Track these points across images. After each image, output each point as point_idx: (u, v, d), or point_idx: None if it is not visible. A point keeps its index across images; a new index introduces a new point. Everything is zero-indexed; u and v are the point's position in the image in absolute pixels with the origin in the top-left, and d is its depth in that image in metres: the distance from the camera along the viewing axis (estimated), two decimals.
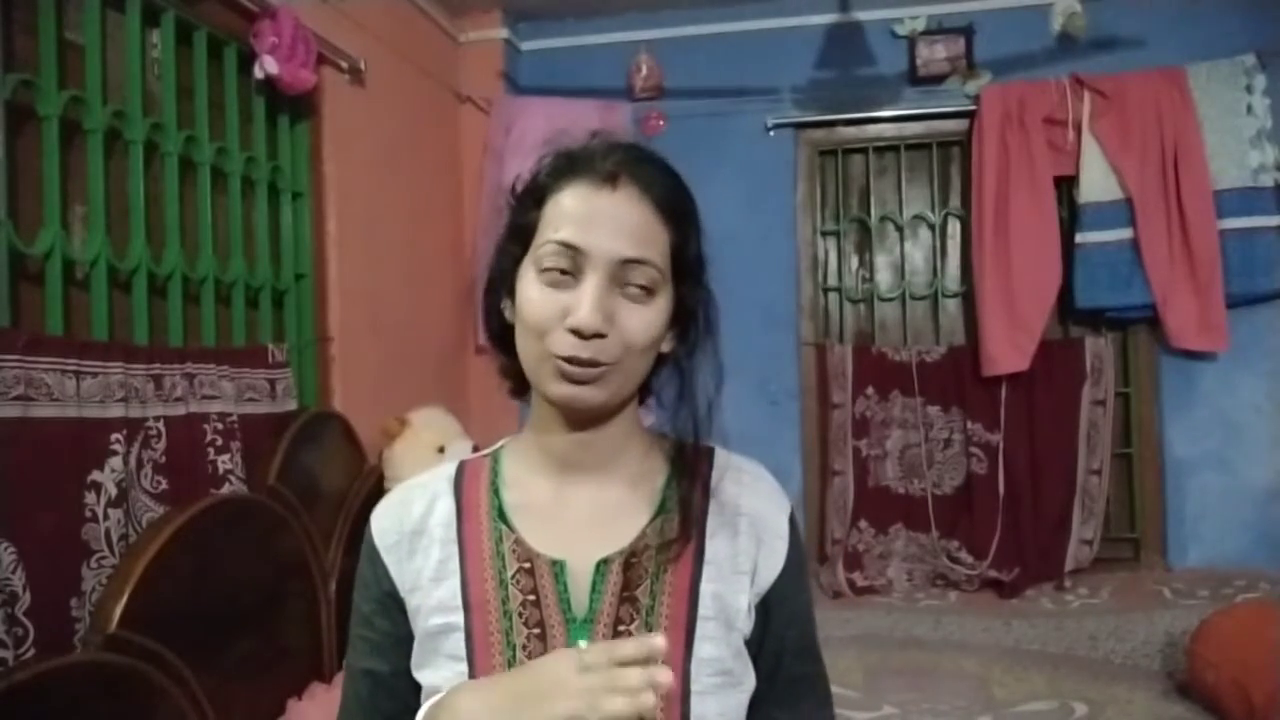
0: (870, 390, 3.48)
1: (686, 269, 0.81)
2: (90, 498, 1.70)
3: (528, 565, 0.79)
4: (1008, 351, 3.30)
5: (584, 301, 0.74)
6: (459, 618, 0.78)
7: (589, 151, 0.80)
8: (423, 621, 0.80)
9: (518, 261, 0.80)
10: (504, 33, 3.62)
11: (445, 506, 0.84)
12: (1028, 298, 3.29)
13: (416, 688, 0.80)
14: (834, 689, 0.91)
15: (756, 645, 0.82)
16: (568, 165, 0.79)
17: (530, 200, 0.81)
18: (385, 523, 0.85)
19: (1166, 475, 3.38)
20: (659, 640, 0.63)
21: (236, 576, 1.89)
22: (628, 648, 0.63)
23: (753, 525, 0.83)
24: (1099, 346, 3.35)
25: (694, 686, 0.75)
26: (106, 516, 1.72)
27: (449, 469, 0.87)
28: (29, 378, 1.59)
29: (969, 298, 3.52)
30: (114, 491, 1.74)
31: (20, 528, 1.54)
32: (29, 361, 1.59)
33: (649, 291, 0.77)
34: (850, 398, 3.49)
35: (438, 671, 0.78)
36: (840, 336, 3.66)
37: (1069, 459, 3.34)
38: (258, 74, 2.29)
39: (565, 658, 0.65)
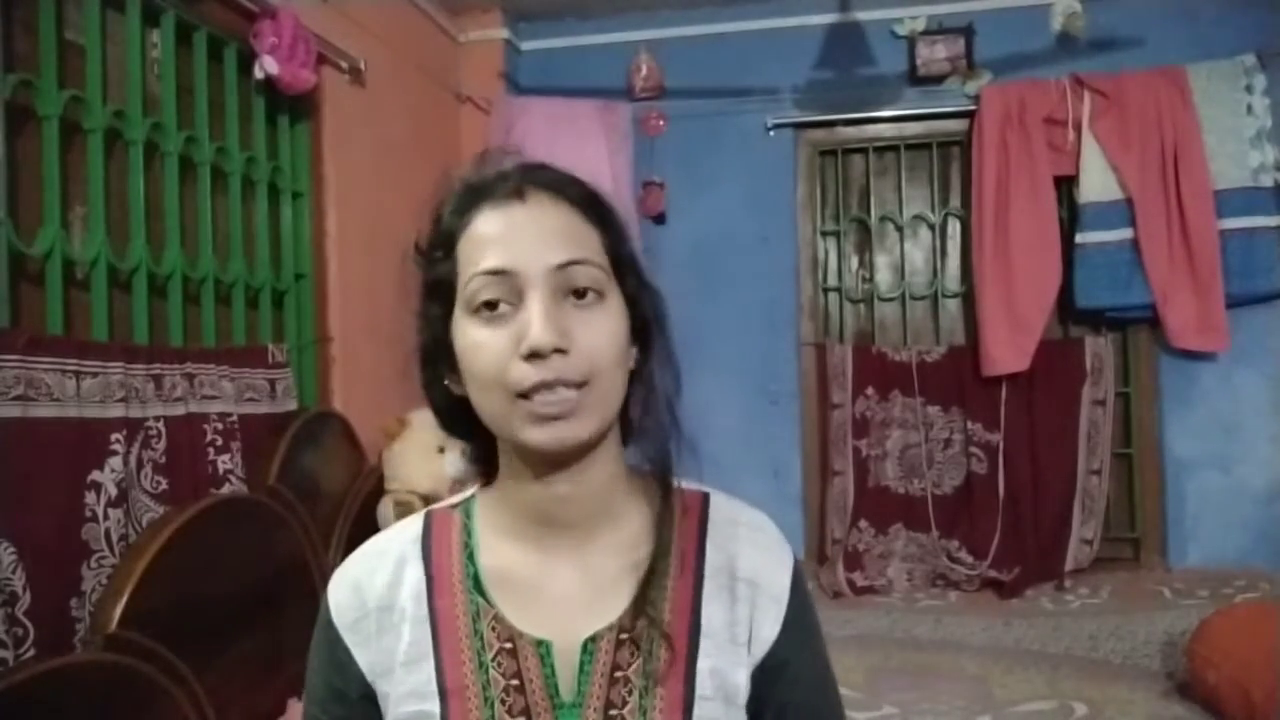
0: (870, 390, 3.48)
1: (627, 268, 0.73)
2: (90, 498, 1.70)
3: (509, 645, 0.71)
4: (1008, 351, 3.30)
5: (532, 320, 0.66)
6: (434, 705, 0.70)
7: (484, 178, 0.73)
8: (393, 709, 0.72)
9: (446, 321, 0.73)
10: (504, 33, 3.62)
11: (414, 575, 0.74)
12: (1028, 298, 3.30)
13: None
14: None
15: (754, 712, 0.74)
16: (468, 198, 0.73)
17: (440, 250, 0.74)
18: (344, 596, 0.75)
19: (1166, 475, 3.38)
20: None
21: (236, 577, 1.89)
22: None
23: (751, 588, 0.74)
24: (1099, 346, 3.35)
25: None
26: (106, 516, 1.72)
27: (415, 527, 0.78)
28: (29, 378, 1.59)
29: (969, 298, 3.52)
30: (114, 491, 1.74)
31: (20, 528, 1.54)
32: (29, 361, 1.59)
33: (598, 295, 0.69)
34: (850, 398, 3.49)
35: None
36: (840, 336, 3.66)
37: (1069, 459, 3.34)
38: (258, 74, 2.30)
39: None
